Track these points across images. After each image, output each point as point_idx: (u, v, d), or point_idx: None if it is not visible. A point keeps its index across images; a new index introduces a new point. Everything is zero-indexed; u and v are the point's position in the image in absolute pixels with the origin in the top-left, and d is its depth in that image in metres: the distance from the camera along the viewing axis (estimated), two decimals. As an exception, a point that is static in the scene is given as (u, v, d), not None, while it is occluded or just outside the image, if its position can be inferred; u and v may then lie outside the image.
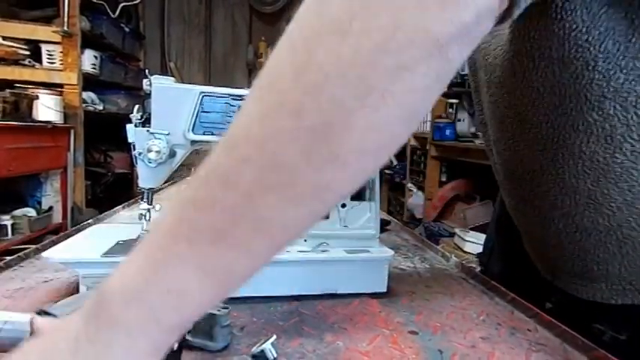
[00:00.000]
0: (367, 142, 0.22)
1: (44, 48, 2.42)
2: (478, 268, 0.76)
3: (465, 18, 0.21)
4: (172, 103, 0.56)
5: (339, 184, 0.23)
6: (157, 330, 0.24)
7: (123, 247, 0.56)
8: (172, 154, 0.57)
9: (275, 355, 0.43)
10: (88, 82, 2.69)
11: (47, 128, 2.26)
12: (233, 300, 0.48)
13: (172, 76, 0.64)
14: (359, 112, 0.21)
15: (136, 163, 0.57)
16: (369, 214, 0.62)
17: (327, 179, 0.23)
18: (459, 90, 2.44)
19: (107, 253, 0.53)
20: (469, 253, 2.18)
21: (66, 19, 2.38)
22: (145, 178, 0.58)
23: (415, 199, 3.20)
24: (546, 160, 0.46)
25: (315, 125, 0.21)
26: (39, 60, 2.43)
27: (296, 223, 0.24)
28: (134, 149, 0.56)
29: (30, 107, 2.21)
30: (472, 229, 2.42)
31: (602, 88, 0.39)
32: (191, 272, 0.23)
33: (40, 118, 2.25)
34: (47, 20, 2.45)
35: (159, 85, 0.55)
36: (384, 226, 1.01)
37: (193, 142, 0.57)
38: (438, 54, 0.21)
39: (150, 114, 0.56)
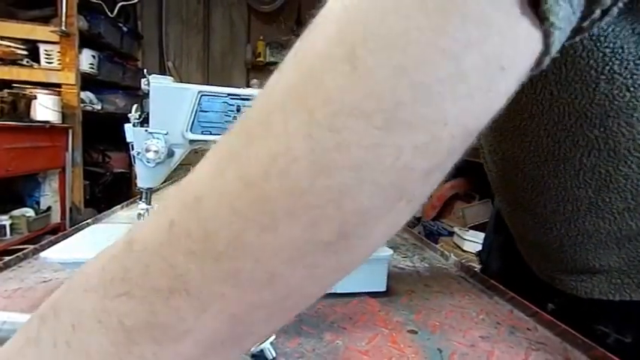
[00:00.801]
0: (379, 243, 0.20)
1: (42, 48, 2.42)
2: (477, 266, 0.76)
3: (497, 107, 0.18)
4: (170, 103, 0.56)
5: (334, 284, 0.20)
6: None
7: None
8: (171, 154, 0.57)
9: (274, 355, 0.42)
10: (86, 81, 2.68)
11: (45, 128, 2.25)
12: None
13: (170, 75, 0.64)
14: (382, 220, 0.18)
15: (135, 162, 0.57)
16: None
17: (326, 287, 0.20)
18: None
19: (106, 253, 0.53)
20: (468, 252, 2.17)
21: (64, 19, 2.38)
22: (143, 178, 0.58)
23: (414, 198, 3.20)
24: (547, 170, 0.46)
25: (329, 239, 0.17)
26: (37, 60, 2.42)
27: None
28: (132, 149, 0.56)
29: (28, 107, 2.21)
30: (471, 227, 2.42)
31: (604, 107, 0.38)
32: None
33: (38, 118, 2.25)
34: (45, 20, 2.45)
35: (157, 85, 0.55)
36: (383, 225, 1.01)
37: (192, 141, 0.57)
38: (467, 142, 0.18)
39: (148, 114, 0.55)
